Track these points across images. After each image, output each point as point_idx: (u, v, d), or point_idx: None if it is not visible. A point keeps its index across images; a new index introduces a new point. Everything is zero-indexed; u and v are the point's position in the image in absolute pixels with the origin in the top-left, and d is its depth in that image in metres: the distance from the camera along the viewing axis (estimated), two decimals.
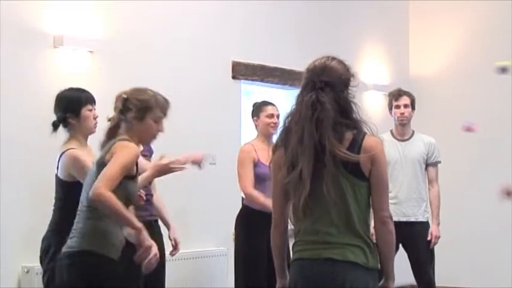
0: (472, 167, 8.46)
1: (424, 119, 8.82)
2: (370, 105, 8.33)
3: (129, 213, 3.58)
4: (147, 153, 5.14)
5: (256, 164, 5.65)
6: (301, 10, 7.61)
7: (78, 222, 3.64)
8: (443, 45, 8.77)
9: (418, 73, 8.92)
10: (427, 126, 8.78)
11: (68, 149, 4.29)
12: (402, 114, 6.08)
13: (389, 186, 5.70)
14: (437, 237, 6.03)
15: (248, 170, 5.66)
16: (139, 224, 3.56)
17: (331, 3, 7.96)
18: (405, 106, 6.10)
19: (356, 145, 3.15)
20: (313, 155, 3.11)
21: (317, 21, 7.80)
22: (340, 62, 3.27)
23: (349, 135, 3.16)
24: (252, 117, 5.86)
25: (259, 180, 5.62)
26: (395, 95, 6.16)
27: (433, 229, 6.04)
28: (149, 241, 3.60)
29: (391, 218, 3.24)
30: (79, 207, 3.68)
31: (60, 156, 4.30)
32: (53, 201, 4.40)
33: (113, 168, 3.48)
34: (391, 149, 5.95)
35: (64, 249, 3.64)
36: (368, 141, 3.16)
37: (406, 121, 6.12)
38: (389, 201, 5.89)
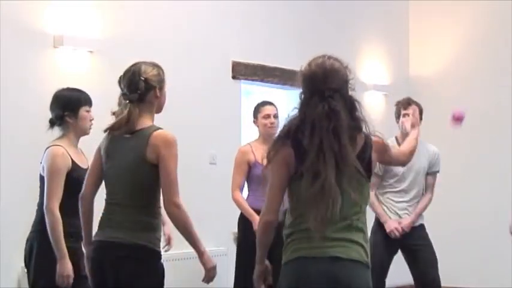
0: (471, 167, 8.46)
1: (423, 118, 8.83)
2: (370, 105, 8.33)
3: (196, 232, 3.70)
4: None
5: (253, 165, 5.65)
6: (301, 10, 7.61)
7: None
8: (443, 45, 8.77)
9: (418, 73, 8.92)
10: (427, 126, 8.78)
11: (52, 145, 4.29)
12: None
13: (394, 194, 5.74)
14: (400, 231, 5.84)
15: (239, 172, 5.67)
16: (203, 247, 3.74)
17: (331, 3, 7.96)
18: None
19: (367, 149, 3.22)
20: (334, 165, 3.10)
21: (317, 21, 7.80)
22: (337, 59, 3.25)
23: (360, 140, 3.21)
24: (253, 118, 5.86)
25: (258, 181, 5.61)
26: (404, 104, 6.10)
27: (404, 220, 5.92)
28: (212, 262, 3.77)
29: None
30: (116, 201, 3.64)
31: (45, 151, 4.32)
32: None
33: (174, 175, 3.57)
34: None
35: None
36: (375, 144, 3.27)
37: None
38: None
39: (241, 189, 5.72)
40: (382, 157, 3.37)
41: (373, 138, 3.26)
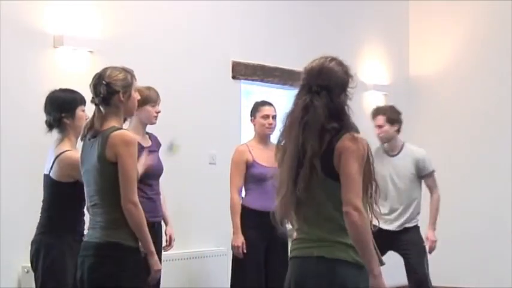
0: (471, 166, 8.46)
1: (423, 118, 8.83)
2: (370, 105, 8.32)
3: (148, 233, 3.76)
4: (156, 148, 5.15)
5: (251, 165, 5.67)
6: (301, 10, 7.61)
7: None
8: (443, 45, 8.77)
9: (418, 73, 8.92)
10: (427, 126, 8.79)
11: (66, 151, 4.31)
12: (378, 134, 6.04)
13: (381, 200, 5.71)
14: (434, 242, 6.03)
15: (237, 173, 5.69)
16: (153, 248, 3.76)
17: (331, 3, 7.96)
18: (379, 126, 6.03)
19: (330, 146, 3.14)
20: (295, 157, 3.15)
21: (317, 21, 7.80)
22: (340, 63, 3.25)
23: (327, 138, 3.15)
24: (250, 116, 5.86)
25: (256, 181, 5.63)
26: (372, 115, 6.11)
27: (429, 234, 6.04)
28: (159, 265, 3.79)
29: (357, 210, 3.07)
30: (92, 203, 3.75)
31: (56, 157, 4.31)
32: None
33: (132, 173, 3.66)
34: (380, 164, 5.94)
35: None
36: (342, 140, 3.14)
37: (384, 140, 6.06)
38: (384, 215, 5.92)
39: (240, 191, 5.72)
40: (339, 158, 3.12)
41: (341, 140, 3.13)
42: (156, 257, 3.78)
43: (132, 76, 3.84)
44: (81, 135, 3.85)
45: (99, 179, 3.70)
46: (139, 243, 3.71)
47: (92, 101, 3.80)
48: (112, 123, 3.74)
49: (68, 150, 4.30)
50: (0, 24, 5.20)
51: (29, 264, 4.46)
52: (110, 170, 3.65)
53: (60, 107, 4.36)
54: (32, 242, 4.36)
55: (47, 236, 4.29)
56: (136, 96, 3.86)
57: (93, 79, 3.82)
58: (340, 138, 3.13)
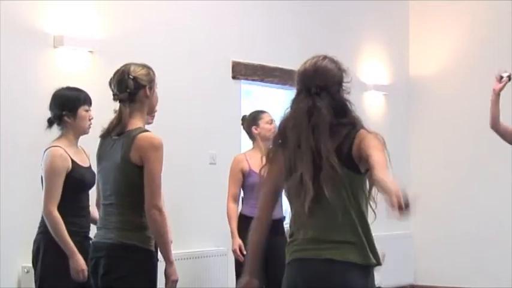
0: (471, 166, 8.47)
1: (423, 118, 8.84)
2: (370, 105, 8.33)
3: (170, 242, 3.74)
4: None
5: (248, 174, 5.68)
6: (301, 10, 7.62)
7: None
8: (443, 45, 8.78)
9: (418, 73, 8.92)
10: (427, 126, 8.80)
11: (51, 146, 4.29)
12: None
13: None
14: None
15: (233, 182, 5.72)
16: (172, 258, 3.71)
17: (331, 3, 7.96)
18: None
19: (347, 140, 3.12)
20: (310, 160, 3.11)
21: (317, 21, 7.80)
22: (332, 60, 3.26)
23: (344, 132, 3.14)
24: (250, 127, 5.82)
25: (252, 190, 5.62)
26: None
27: None
28: (177, 275, 3.72)
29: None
30: (109, 202, 3.70)
31: (44, 152, 4.31)
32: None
33: (158, 178, 3.63)
34: None
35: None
36: (360, 132, 3.13)
37: None
38: None
39: (237, 200, 5.73)
40: (359, 146, 3.10)
41: (358, 134, 3.13)
42: (174, 266, 3.72)
43: (153, 72, 3.81)
44: (104, 131, 3.77)
45: (120, 179, 3.64)
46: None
47: (116, 98, 3.71)
48: (137, 121, 3.68)
49: (55, 146, 4.27)
50: (0, 24, 5.20)
51: (29, 264, 4.46)
52: (132, 172, 3.60)
53: (62, 105, 4.35)
54: (34, 241, 4.37)
55: (47, 235, 4.28)
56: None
57: (115, 75, 3.75)
58: (358, 131, 3.13)
